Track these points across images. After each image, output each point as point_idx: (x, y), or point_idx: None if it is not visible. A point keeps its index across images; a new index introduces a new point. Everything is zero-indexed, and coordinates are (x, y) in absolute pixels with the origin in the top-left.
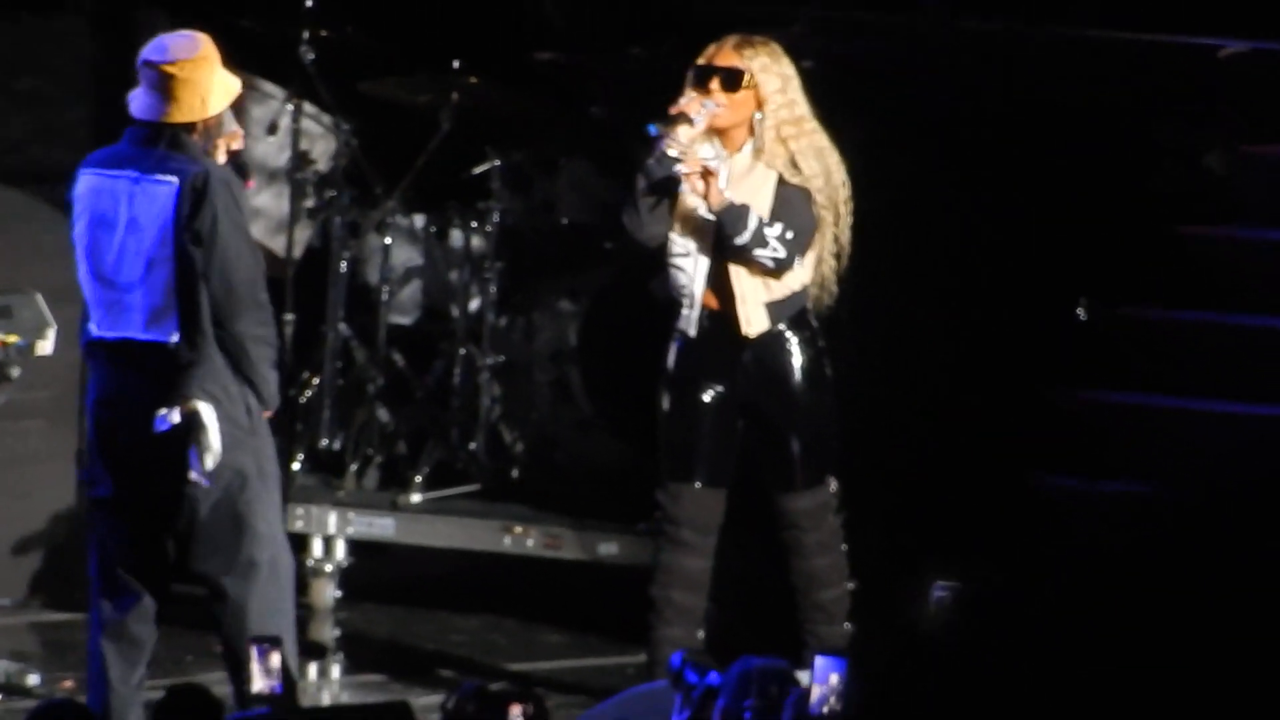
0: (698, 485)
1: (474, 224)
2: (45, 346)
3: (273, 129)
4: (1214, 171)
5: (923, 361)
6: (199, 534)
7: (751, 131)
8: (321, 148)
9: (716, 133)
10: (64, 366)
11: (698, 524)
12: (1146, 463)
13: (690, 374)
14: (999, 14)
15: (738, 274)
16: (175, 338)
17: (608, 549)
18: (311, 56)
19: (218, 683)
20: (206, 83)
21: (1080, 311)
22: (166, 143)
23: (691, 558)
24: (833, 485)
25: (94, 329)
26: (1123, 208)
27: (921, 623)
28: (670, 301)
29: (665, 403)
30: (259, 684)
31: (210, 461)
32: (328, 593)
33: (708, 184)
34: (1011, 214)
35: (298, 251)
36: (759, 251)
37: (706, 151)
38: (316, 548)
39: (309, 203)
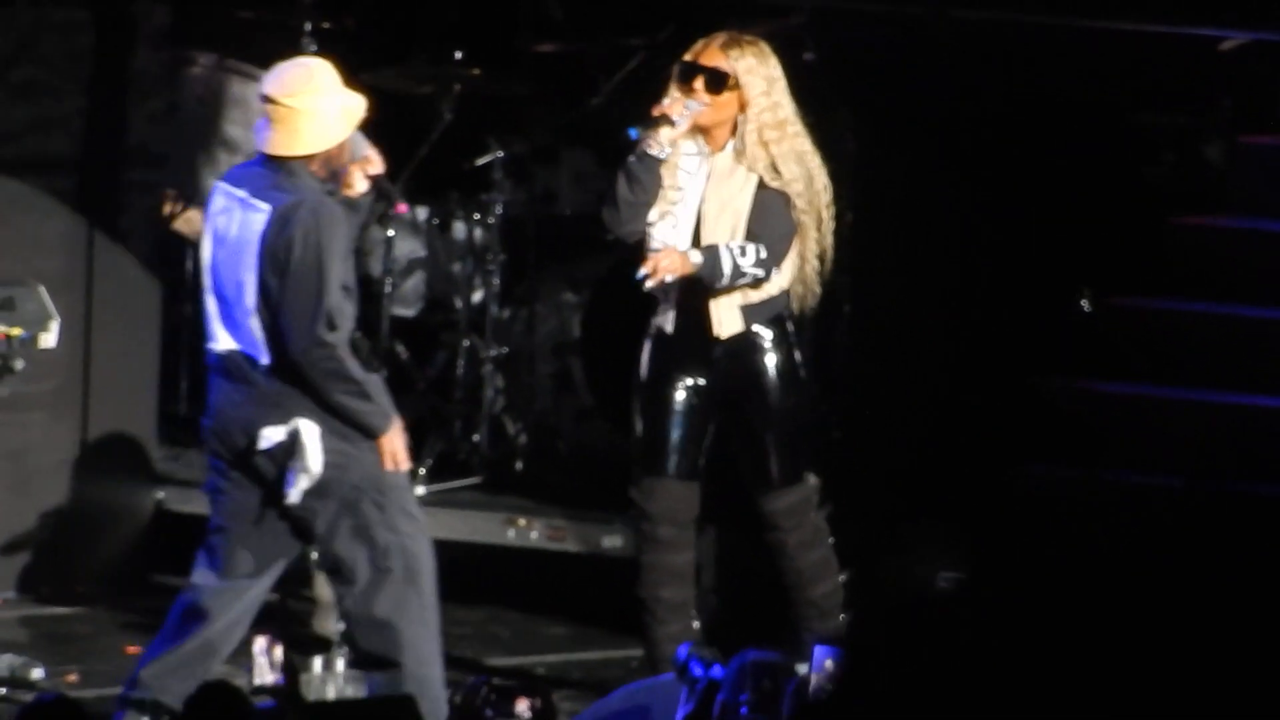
0: (671, 479)
1: (476, 215)
2: (48, 339)
3: None
4: (1211, 162)
5: (920, 352)
6: (322, 549)
7: (734, 131)
8: None
9: (700, 130)
10: (67, 359)
11: (674, 518)
12: (1143, 452)
13: (664, 369)
14: (995, 4)
15: None
16: (267, 358)
17: (611, 541)
18: (313, 48)
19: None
20: (323, 113)
21: (1083, 303)
22: (284, 172)
23: (672, 552)
24: (811, 481)
25: (208, 339)
26: (1120, 199)
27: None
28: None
29: (638, 398)
30: (262, 677)
31: (305, 481)
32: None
33: (671, 265)
34: (1009, 205)
35: None
36: (740, 283)
37: (689, 148)
38: None
39: None
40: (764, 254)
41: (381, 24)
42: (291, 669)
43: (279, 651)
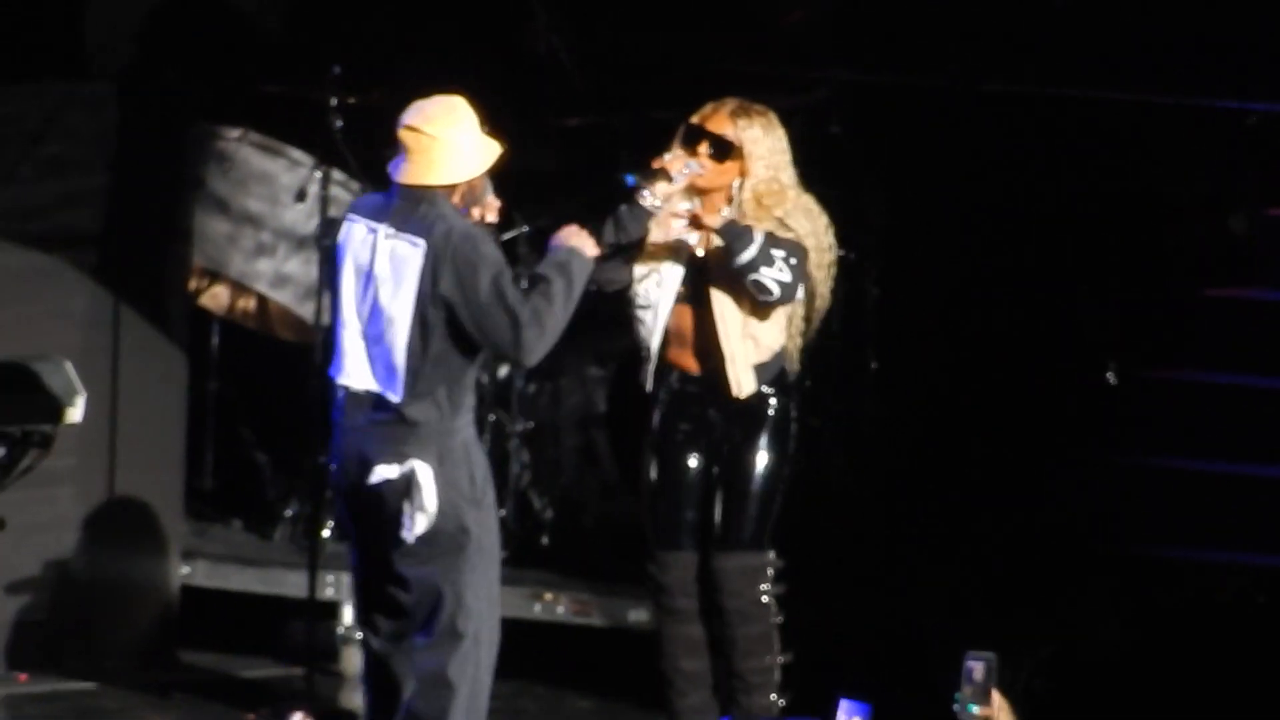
0: (683, 551)
1: None
2: (74, 414)
3: (301, 196)
4: (1236, 234)
5: (948, 424)
6: (408, 591)
7: (729, 200)
8: None
9: (696, 191)
10: (93, 434)
11: (690, 590)
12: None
13: (674, 440)
14: (1023, 78)
15: (727, 334)
16: (400, 396)
17: (637, 616)
18: (339, 123)
19: None
20: (463, 144)
21: (1109, 375)
22: (425, 202)
23: (689, 625)
24: (768, 555)
25: (338, 373)
26: (1147, 271)
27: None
28: None
29: (651, 471)
30: None
31: (423, 523)
32: (358, 660)
33: (701, 219)
34: (1035, 276)
35: (326, 318)
36: (765, 270)
37: (683, 207)
38: (347, 615)
39: None
40: (795, 261)
41: (406, 99)
42: None
43: None
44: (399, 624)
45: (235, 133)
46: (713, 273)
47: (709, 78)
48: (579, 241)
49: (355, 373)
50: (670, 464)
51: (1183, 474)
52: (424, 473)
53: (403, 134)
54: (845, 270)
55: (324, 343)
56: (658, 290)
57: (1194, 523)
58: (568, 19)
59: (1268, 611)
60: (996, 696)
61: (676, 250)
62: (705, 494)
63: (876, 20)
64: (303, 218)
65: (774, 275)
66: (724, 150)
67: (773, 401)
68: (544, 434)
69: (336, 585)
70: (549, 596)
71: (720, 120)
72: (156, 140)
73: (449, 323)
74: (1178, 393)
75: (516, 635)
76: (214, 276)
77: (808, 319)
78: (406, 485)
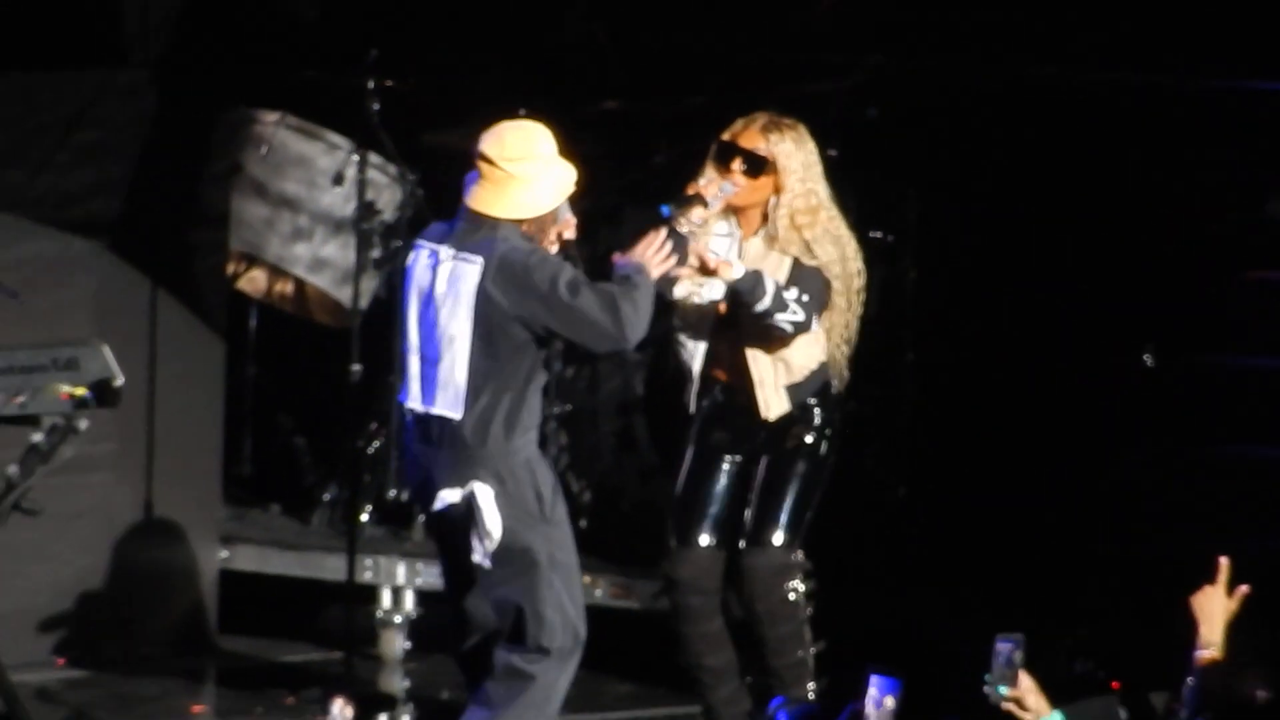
0: (699, 549)
1: None
2: (112, 400)
3: (339, 180)
4: (1275, 217)
5: (985, 411)
6: (494, 612)
7: (765, 217)
8: (387, 198)
9: (732, 210)
10: (131, 418)
11: (701, 586)
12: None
13: (711, 442)
14: (1058, 61)
15: (754, 358)
16: (459, 415)
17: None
18: (377, 107)
19: None
20: (538, 181)
21: (1146, 358)
22: (489, 228)
23: (704, 621)
24: (797, 555)
25: (405, 397)
26: (1186, 255)
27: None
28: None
29: (685, 466)
30: None
31: (489, 545)
32: (397, 643)
33: (716, 268)
34: (1072, 261)
35: (364, 302)
36: (779, 316)
37: (720, 228)
38: (385, 598)
39: (375, 253)
40: (806, 298)
41: (444, 83)
42: None
43: (351, 713)
44: (488, 639)
45: (272, 117)
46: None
47: (745, 63)
48: (640, 260)
49: (417, 395)
50: (703, 462)
51: (1223, 459)
52: (484, 495)
53: (479, 162)
54: (882, 253)
55: (398, 368)
56: (697, 314)
57: (1235, 507)
58: (605, 4)
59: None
60: (1025, 677)
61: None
62: (735, 494)
63: (912, 4)
64: (340, 201)
65: (787, 318)
66: (757, 165)
67: (817, 413)
68: (582, 418)
69: (375, 569)
70: (587, 580)
71: (752, 136)
72: (193, 126)
73: (510, 340)
74: (1217, 377)
75: None
76: (251, 260)
77: (831, 337)
78: (469, 508)
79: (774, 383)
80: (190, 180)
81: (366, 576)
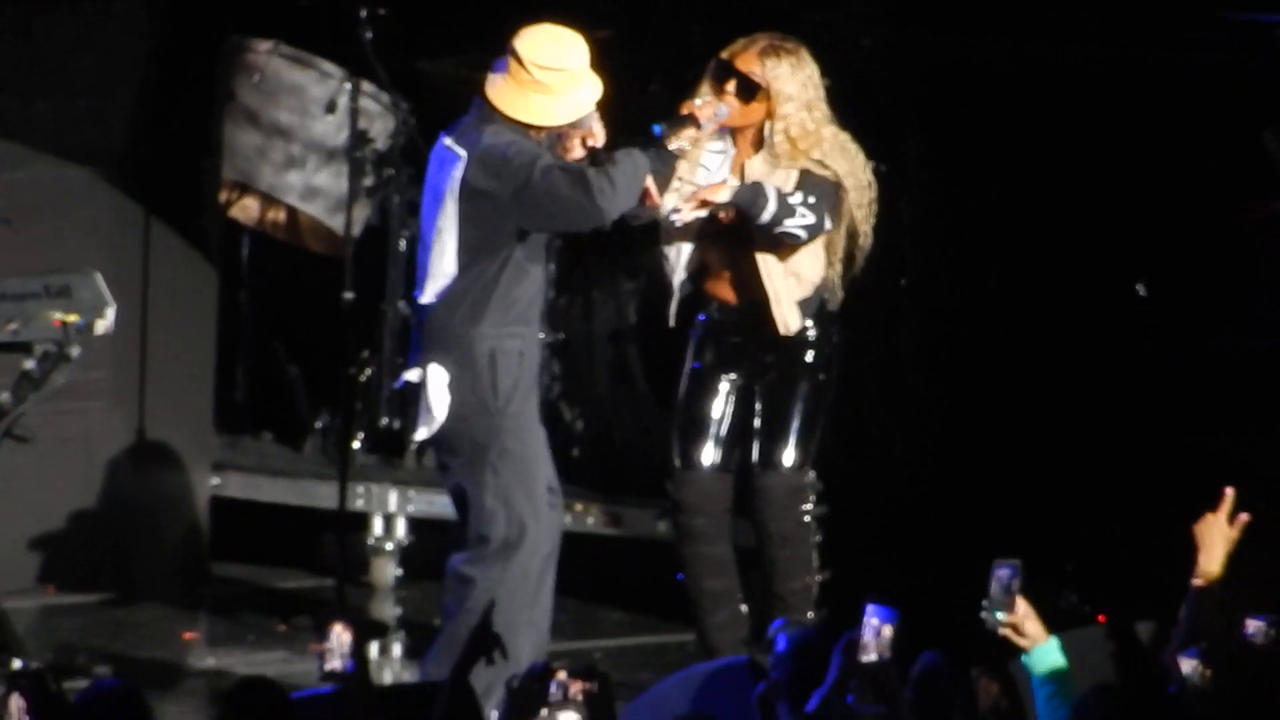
0: (704, 470)
1: None
2: (104, 325)
3: (331, 108)
4: (1267, 149)
5: (983, 349)
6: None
7: (761, 140)
8: (380, 126)
9: (729, 130)
10: (123, 346)
11: (706, 509)
12: None
13: (710, 363)
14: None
15: (769, 274)
16: (430, 300)
17: (667, 527)
18: (370, 35)
19: (277, 661)
20: (562, 93)
21: (1139, 288)
22: (495, 123)
23: (708, 543)
24: (810, 477)
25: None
26: (1183, 185)
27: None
28: None
29: (683, 389)
30: (332, 663)
31: (426, 425)
32: (388, 571)
33: (708, 198)
34: (1068, 196)
35: (356, 230)
36: (789, 223)
37: (714, 145)
38: (377, 526)
39: (368, 181)
40: (813, 199)
41: (438, 12)
42: (362, 656)
43: (349, 638)
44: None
45: (265, 45)
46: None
47: None
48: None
49: (417, 286)
50: (703, 385)
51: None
52: (435, 376)
53: (509, 57)
54: (880, 184)
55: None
56: (681, 229)
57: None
58: None
59: None
60: (1023, 603)
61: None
62: (738, 414)
63: None
64: (333, 130)
65: (797, 223)
66: (750, 90)
67: (813, 333)
68: (576, 347)
69: (367, 497)
70: (580, 508)
71: (749, 59)
72: (187, 55)
73: (489, 231)
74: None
75: None
76: (244, 189)
77: (851, 255)
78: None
79: (788, 298)
80: (184, 109)
81: (358, 504)
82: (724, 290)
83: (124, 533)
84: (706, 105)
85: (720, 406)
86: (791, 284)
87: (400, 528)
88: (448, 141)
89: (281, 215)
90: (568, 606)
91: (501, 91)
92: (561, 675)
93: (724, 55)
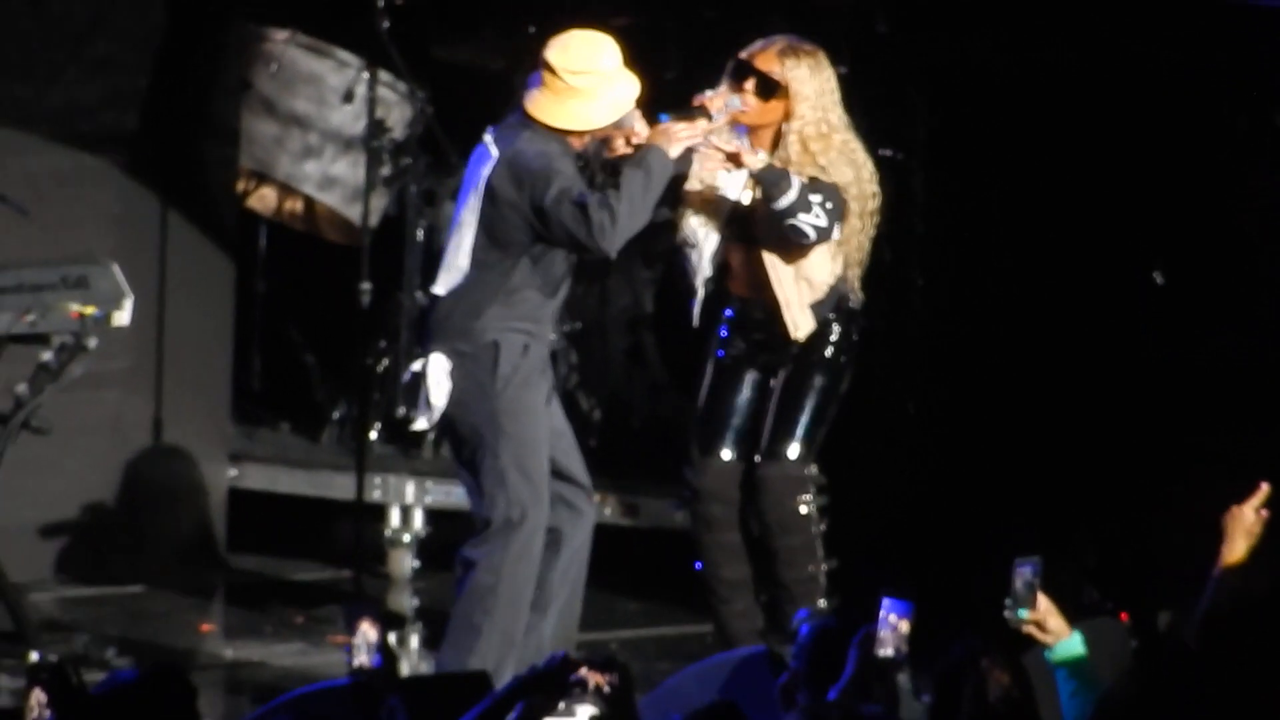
0: (722, 458)
1: None
2: (122, 316)
3: (349, 97)
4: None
5: (992, 330)
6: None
7: (777, 142)
8: (397, 115)
9: (748, 130)
10: (141, 336)
11: (723, 496)
12: None
13: (732, 353)
14: None
15: (777, 279)
16: (440, 291)
17: (685, 517)
18: (386, 24)
19: (295, 653)
20: (597, 95)
21: (1156, 276)
22: (532, 131)
23: (725, 531)
24: (810, 468)
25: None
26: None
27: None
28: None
29: (707, 378)
30: (359, 658)
31: (426, 414)
32: (406, 562)
33: (738, 157)
34: (1080, 178)
35: (374, 219)
36: (803, 216)
37: (727, 136)
38: (394, 517)
39: (385, 170)
40: (830, 205)
41: (454, 0)
42: (389, 652)
43: (375, 634)
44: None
45: (282, 34)
46: (756, 219)
47: None
48: (660, 140)
49: (434, 278)
50: (725, 374)
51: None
52: (436, 364)
53: (542, 68)
54: (891, 170)
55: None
56: (704, 228)
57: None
58: None
59: None
60: (1044, 599)
61: (718, 199)
62: (756, 406)
63: None
64: (350, 119)
65: (810, 221)
66: (769, 89)
67: (835, 328)
68: (592, 335)
69: (384, 488)
70: (596, 497)
71: (768, 59)
72: (204, 41)
73: (505, 232)
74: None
75: None
76: (261, 178)
77: (848, 256)
78: (423, 377)
79: (799, 302)
80: (201, 96)
81: (375, 495)
82: (744, 289)
83: (141, 523)
84: (717, 96)
85: (741, 398)
86: (803, 288)
87: (418, 519)
88: (488, 139)
89: (299, 205)
90: (585, 595)
91: (539, 103)
92: (581, 669)
93: (743, 55)
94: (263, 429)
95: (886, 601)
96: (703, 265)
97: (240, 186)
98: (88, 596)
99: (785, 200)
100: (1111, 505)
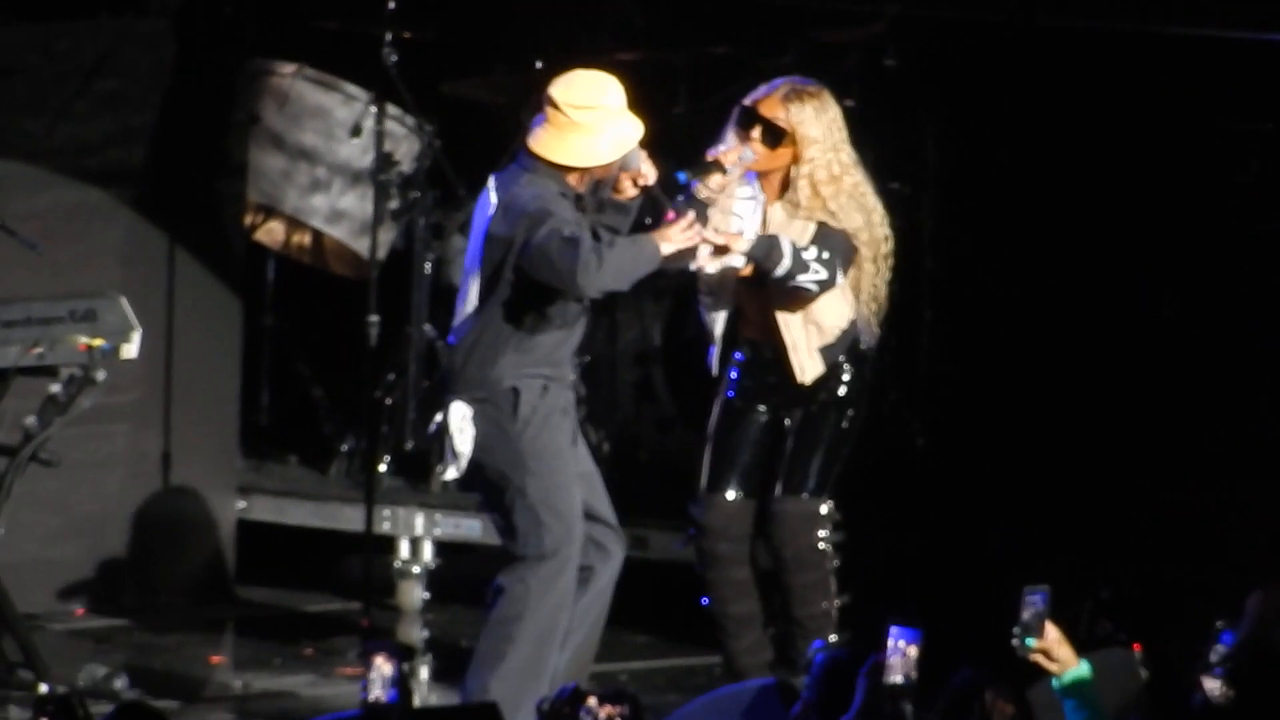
0: (729, 496)
1: None
2: (130, 350)
3: (356, 131)
4: None
5: (1002, 359)
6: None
7: (786, 185)
8: (405, 149)
9: (757, 175)
10: (149, 370)
11: (731, 534)
12: None
13: (745, 391)
14: (1080, 12)
15: (785, 324)
16: (453, 340)
17: (691, 552)
18: (394, 58)
19: (304, 685)
20: (598, 134)
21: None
22: (533, 172)
23: (733, 568)
24: (824, 507)
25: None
26: (1206, 206)
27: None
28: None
29: (716, 414)
30: (374, 692)
31: (454, 464)
32: (415, 594)
33: (726, 247)
34: (1092, 212)
35: (382, 253)
36: (802, 278)
37: (744, 191)
38: (404, 549)
39: (393, 204)
40: (827, 255)
41: (462, 34)
42: (405, 686)
43: (391, 668)
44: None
45: (290, 68)
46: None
47: (768, 12)
48: (659, 238)
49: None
50: (734, 413)
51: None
52: (457, 412)
53: (545, 105)
54: (900, 204)
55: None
56: (719, 281)
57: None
58: None
59: None
60: (1052, 629)
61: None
62: (765, 446)
63: None
64: (358, 153)
65: (810, 278)
66: (776, 136)
67: (848, 369)
68: (600, 368)
69: (393, 520)
70: None
71: (772, 104)
72: (212, 76)
73: (508, 277)
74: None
75: None
76: (269, 212)
77: (860, 297)
78: (445, 427)
79: (807, 347)
80: (209, 131)
81: (384, 527)
82: (755, 332)
83: (150, 556)
84: (731, 151)
85: (750, 437)
86: (812, 332)
87: (427, 551)
88: (490, 185)
89: (306, 238)
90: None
91: (541, 139)
92: (591, 700)
93: (747, 102)
94: (271, 461)
95: (894, 629)
96: (719, 315)
97: (248, 220)
98: (97, 628)
99: (780, 269)
100: (1125, 538)
